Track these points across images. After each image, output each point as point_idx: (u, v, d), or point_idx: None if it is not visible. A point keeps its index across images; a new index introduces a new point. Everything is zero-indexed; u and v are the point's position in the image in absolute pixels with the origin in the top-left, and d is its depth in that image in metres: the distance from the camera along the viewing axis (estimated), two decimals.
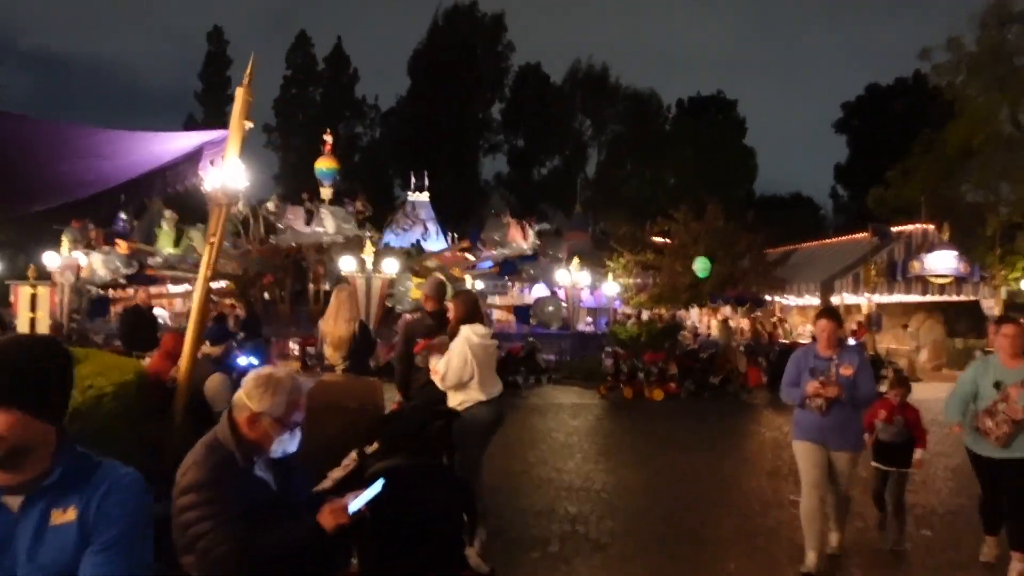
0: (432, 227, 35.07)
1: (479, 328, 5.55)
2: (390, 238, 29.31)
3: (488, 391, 5.56)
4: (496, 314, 36.08)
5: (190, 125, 57.35)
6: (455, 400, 5.56)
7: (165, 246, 21.56)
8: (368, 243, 19.90)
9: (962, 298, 23.99)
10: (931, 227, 23.79)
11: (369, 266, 19.43)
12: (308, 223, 20.73)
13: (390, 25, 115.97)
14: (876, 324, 21.91)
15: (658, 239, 27.60)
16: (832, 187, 57.91)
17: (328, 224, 20.34)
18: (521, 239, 21.87)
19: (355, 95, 60.37)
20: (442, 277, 6.65)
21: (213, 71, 58.00)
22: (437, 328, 5.96)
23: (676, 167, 52.55)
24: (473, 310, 5.67)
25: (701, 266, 22.87)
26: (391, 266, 19.60)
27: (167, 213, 21.75)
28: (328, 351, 6.67)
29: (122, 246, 21.30)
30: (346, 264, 19.49)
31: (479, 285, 31.94)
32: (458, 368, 5.46)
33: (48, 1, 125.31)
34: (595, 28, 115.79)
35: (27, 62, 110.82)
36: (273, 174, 58.09)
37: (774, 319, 28.50)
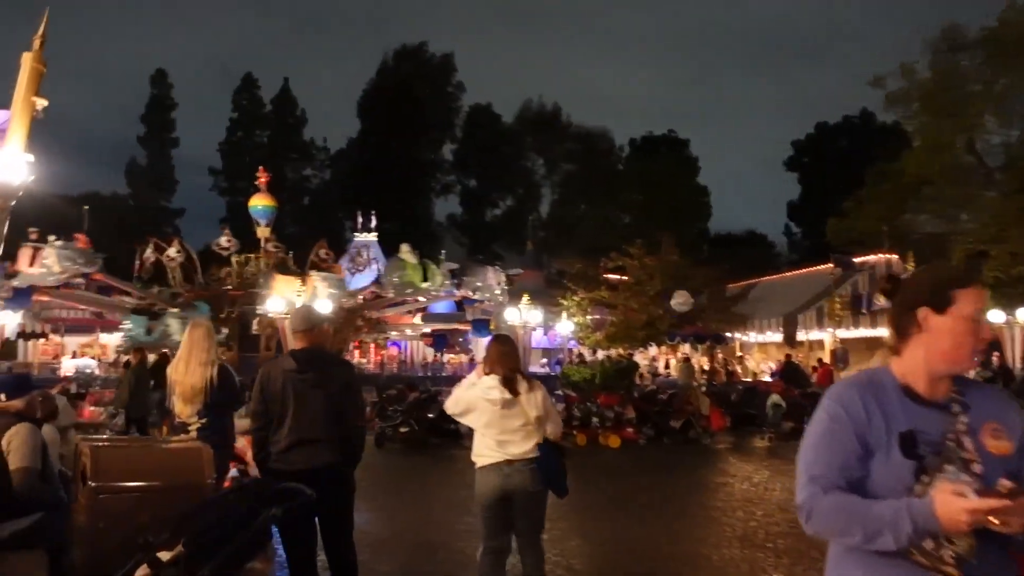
0: (381, 268, 33.67)
1: (487, 379, 4.76)
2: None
3: (496, 453, 4.69)
4: (447, 356, 34.57)
5: (133, 169, 55.64)
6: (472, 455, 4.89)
7: (414, 280, 19.49)
8: (299, 282, 18.39)
9: None
10: (895, 257, 22.90)
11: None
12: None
13: (338, 67, 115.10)
14: (843, 361, 20.77)
15: (612, 276, 26.48)
16: (785, 224, 58.00)
17: (52, 263, 18.55)
18: (419, 280, 20.55)
19: (303, 137, 59.29)
20: (310, 306, 5.18)
21: (156, 114, 56.43)
22: (300, 371, 4.49)
23: (630, 206, 51.90)
24: (495, 358, 4.82)
25: (679, 301, 21.61)
26: (324, 307, 18.06)
27: (404, 247, 20.20)
28: (178, 405, 5.17)
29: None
30: (274, 305, 17.94)
31: (426, 331, 30.53)
32: (460, 401, 4.85)
33: None
34: (544, 70, 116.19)
35: None
36: (220, 217, 56.43)
37: (736, 356, 27.42)
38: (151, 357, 14.35)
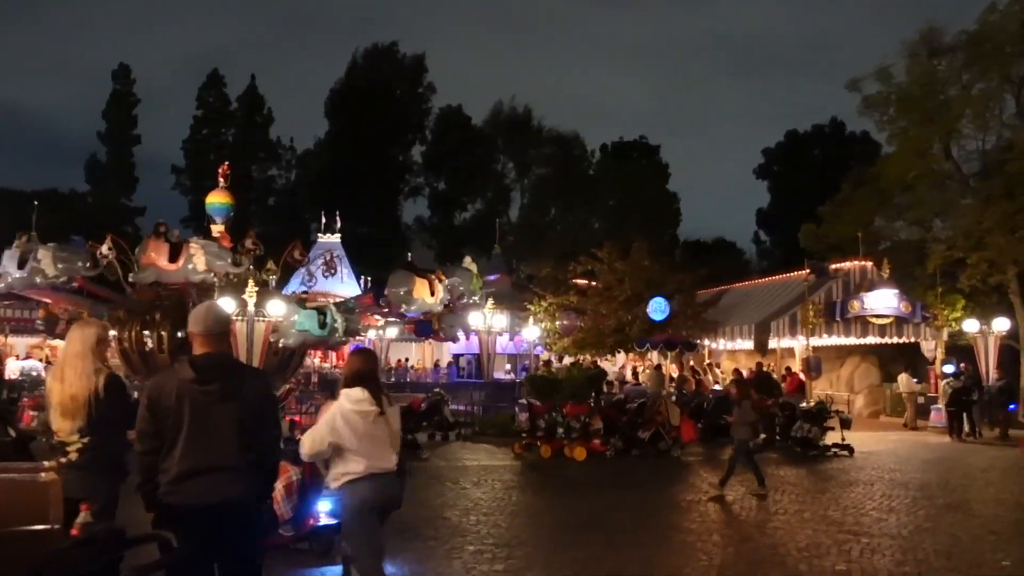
0: (344, 270, 32.73)
1: (355, 392, 4.64)
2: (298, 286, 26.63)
3: (370, 464, 4.59)
4: (412, 361, 33.72)
5: (93, 166, 54.19)
6: (331, 476, 4.70)
7: (475, 289, 18.86)
8: (251, 282, 17.34)
9: (903, 340, 22.57)
10: (870, 264, 22.39)
11: (251, 308, 16.90)
12: (173, 259, 17.79)
13: (307, 66, 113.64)
14: (815, 369, 20.21)
15: (581, 281, 25.78)
16: (755, 232, 57.86)
17: (198, 261, 17.30)
18: (428, 295, 19.35)
19: (270, 136, 58.08)
20: (214, 303, 4.34)
21: (118, 110, 54.94)
22: (201, 382, 3.65)
23: (601, 211, 51.37)
24: (356, 373, 4.78)
25: (655, 307, 20.91)
26: (277, 308, 17.11)
27: (467, 257, 20.01)
28: (56, 420, 4.30)
29: None
30: (225, 306, 16.91)
31: (391, 332, 29.66)
32: (319, 437, 4.65)
33: None
34: (517, 73, 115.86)
35: None
36: (181, 217, 55.14)
37: (705, 364, 26.80)
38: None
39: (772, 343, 22.28)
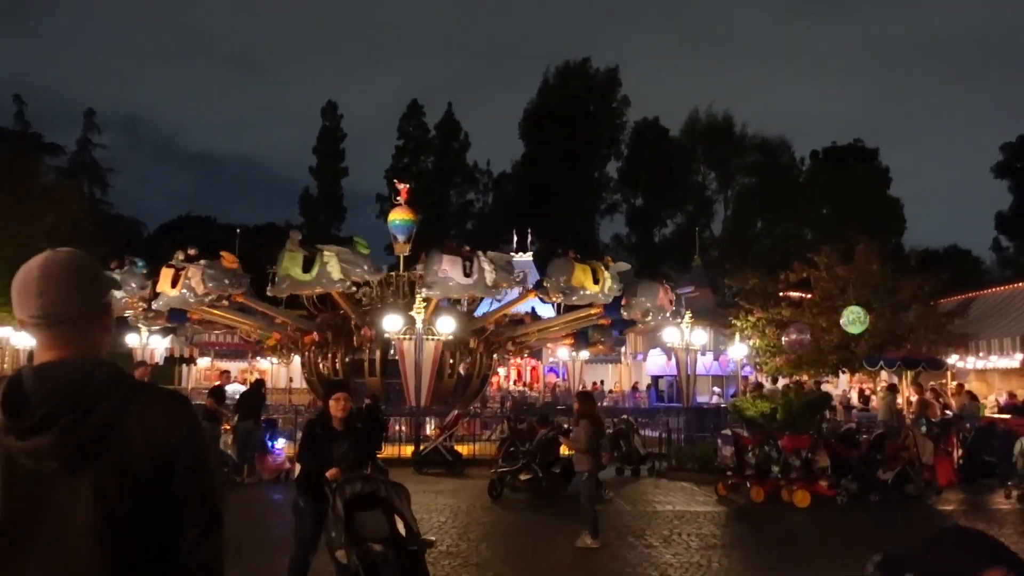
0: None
1: None
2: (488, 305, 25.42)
3: None
4: (608, 383, 31.59)
5: (305, 199, 56.89)
6: None
7: (584, 283, 18.44)
8: (419, 297, 15.96)
9: None
10: None
11: (419, 326, 15.48)
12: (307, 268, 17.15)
13: (501, 90, 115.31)
14: None
15: (795, 293, 22.55)
16: (994, 238, 50.87)
17: (332, 268, 16.31)
18: (591, 283, 17.28)
19: (467, 162, 58.65)
20: (61, 253, 2.25)
21: (327, 145, 57.68)
22: (22, 433, 1.49)
23: (813, 221, 46.88)
24: None
25: (851, 318, 17.63)
26: (446, 325, 15.58)
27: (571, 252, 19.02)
28: None
29: None
30: (391, 323, 15.61)
31: (583, 354, 27.74)
32: None
33: (207, 107, 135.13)
34: (714, 84, 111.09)
35: (186, 163, 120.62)
36: (385, 244, 56.53)
37: (949, 385, 22.66)
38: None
39: None
